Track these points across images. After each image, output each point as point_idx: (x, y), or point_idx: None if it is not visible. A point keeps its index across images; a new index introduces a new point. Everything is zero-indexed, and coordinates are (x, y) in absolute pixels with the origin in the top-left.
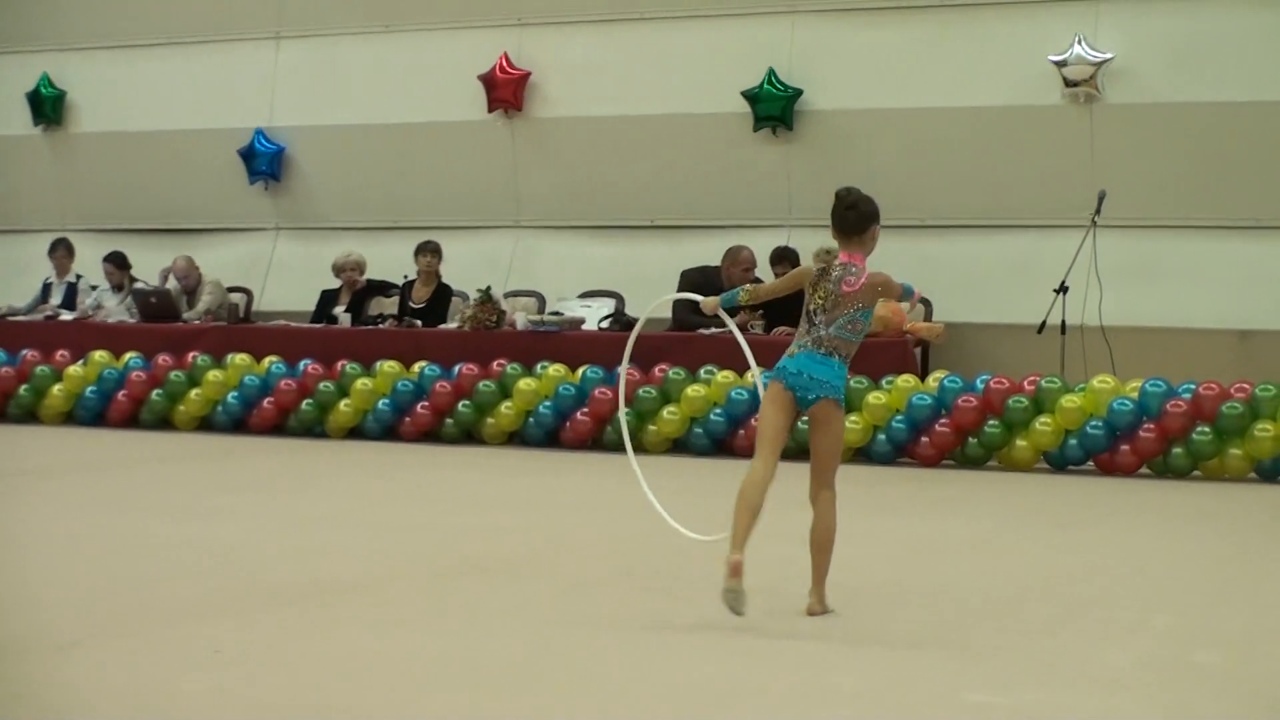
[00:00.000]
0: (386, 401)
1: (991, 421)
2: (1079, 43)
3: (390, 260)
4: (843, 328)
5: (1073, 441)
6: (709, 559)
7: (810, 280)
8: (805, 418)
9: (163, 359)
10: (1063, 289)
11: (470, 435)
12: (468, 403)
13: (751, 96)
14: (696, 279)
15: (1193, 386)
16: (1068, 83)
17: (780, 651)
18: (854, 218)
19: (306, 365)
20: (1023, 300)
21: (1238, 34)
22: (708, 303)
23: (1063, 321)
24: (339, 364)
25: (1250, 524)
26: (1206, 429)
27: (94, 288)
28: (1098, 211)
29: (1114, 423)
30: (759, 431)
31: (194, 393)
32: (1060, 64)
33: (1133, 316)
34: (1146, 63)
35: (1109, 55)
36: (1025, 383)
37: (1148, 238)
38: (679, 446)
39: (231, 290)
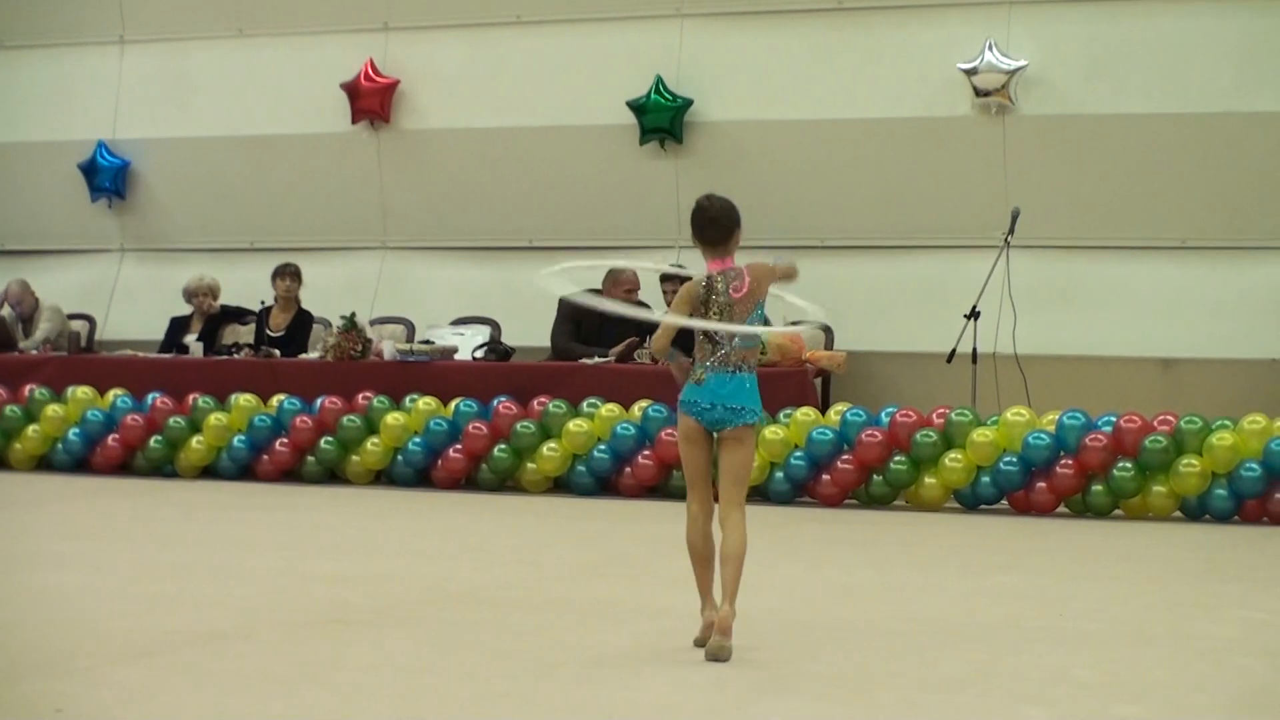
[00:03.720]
0: (242, 438)
1: (898, 457)
2: (990, 49)
3: (246, 284)
4: (745, 338)
5: (985, 479)
6: (590, 607)
7: (699, 300)
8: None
9: None
10: (974, 314)
11: (333, 474)
12: (330, 439)
13: (637, 107)
14: (577, 304)
15: (1113, 419)
16: (978, 92)
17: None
18: (716, 231)
19: (155, 399)
20: (931, 326)
21: (1160, 41)
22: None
23: (974, 349)
24: (190, 397)
25: (1175, 567)
26: (1128, 464)
27: None
28: (1011, 231)
29: (1029, 458)
30: (686, 473)
31: (31, 429)
32: (970, 72)
33: (1049, 344)
34: (1063, 71)
35: (1022, 63)
36: (934, 415)
37: (1065, 259)
38: (560, 486)
39: (72, 317)
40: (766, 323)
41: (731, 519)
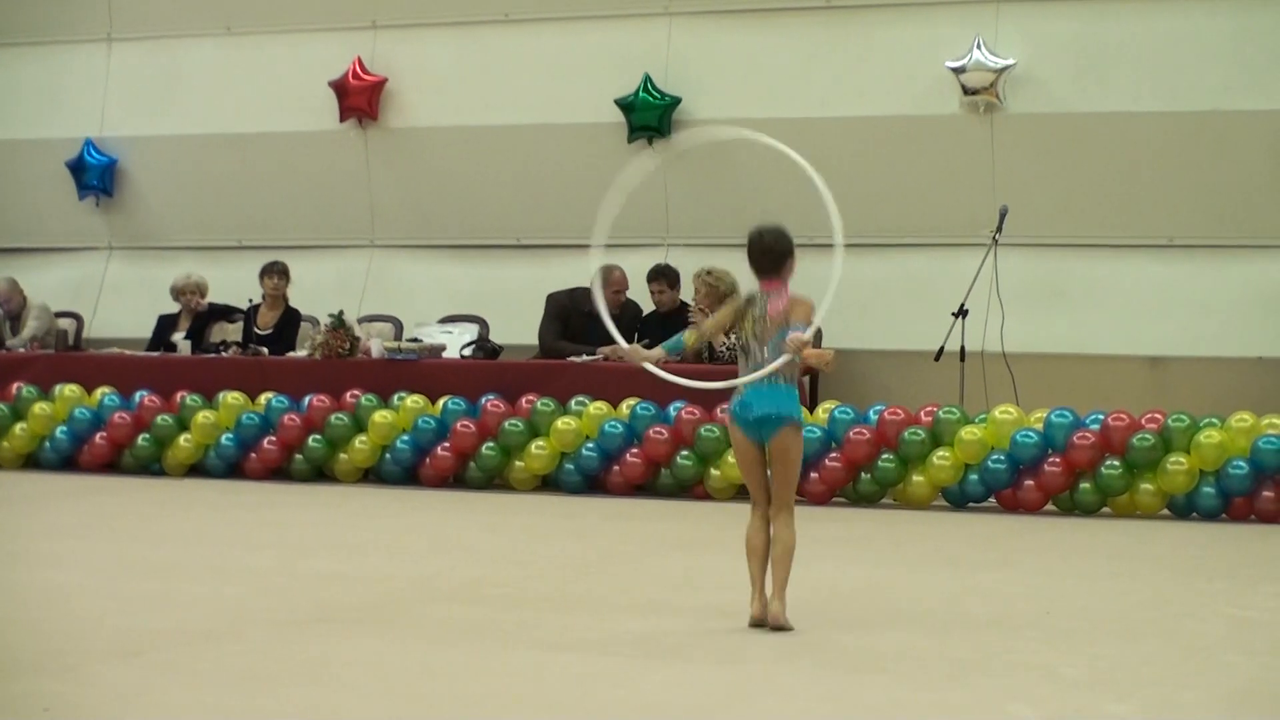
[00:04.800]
0: (230, 436)
1: (886, 455)
2: (978, 47)
3: (234, 283)
4: (776, 348)
5: (973, 477)
6: (578, 604)
7: (738, 312)
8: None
9: None
10: (962, 312)
11: (321, 472)
12: (318, 437)
13: (626, 105)
14: (564, 302)
15: (1101, 417)
16: (966, 90)
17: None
18: (769, 261)
19: (142, 397)
20: (919, 325)
21: (1148, 40)
22: (634, 353)
23: (962, 347)
24: (178, 395)
25: (1163, 564)
26: (1116, 462)
27: None
28: (999, 229)
29: (1017, 456)
30: (746, 483)
31: (18, 427)
32: (958, 70)
33: (1037, 342)
34: (1051, 70)
35: (1010, 61)
36: (922, 413)
37: (1053, 257)
38: (548, 484)
39: (59, 315)
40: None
41: (780, 519)
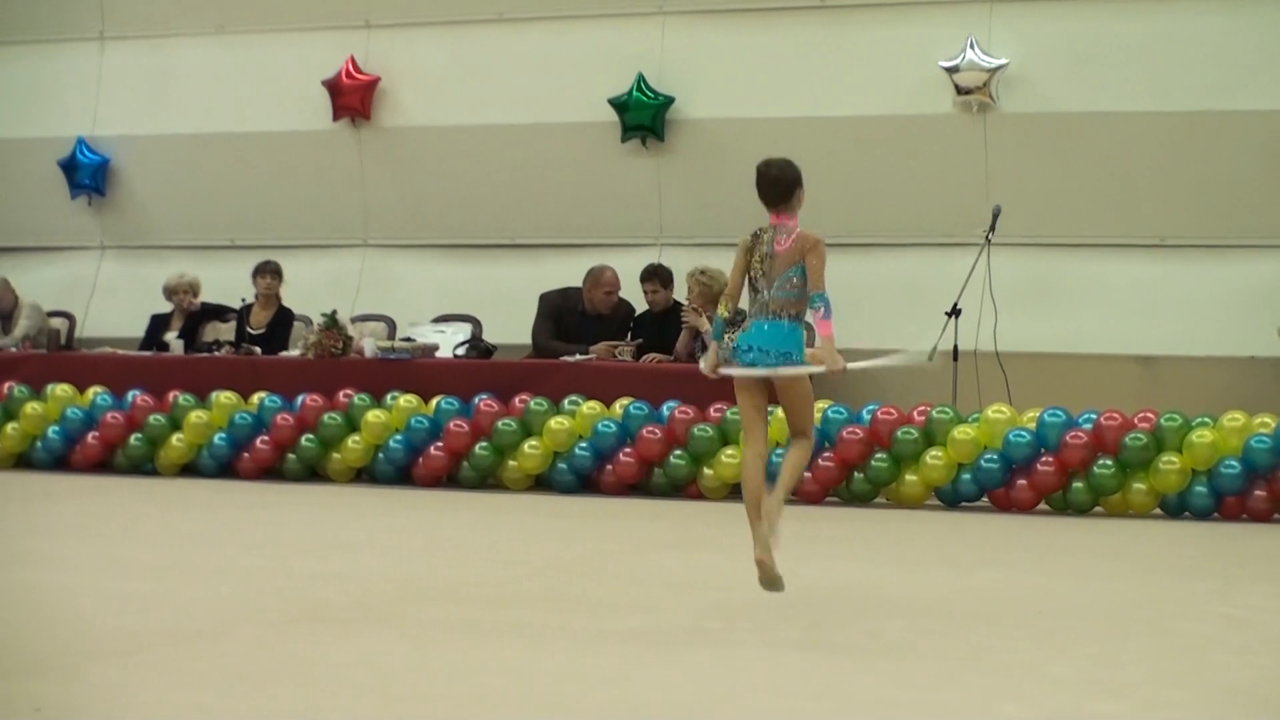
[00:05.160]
0: (223, 435)
1: (879, 455)
2: (971, 47)
3: (226, 282)
4: (782, 287)
5: (966, 476)
6: (571, 604)
7: (745, 248)
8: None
9: None
10: (955, 312)
11: (314, 472)
12: (311, 436)
13: (619, 104)
14: (557, 301)
15: (1094, 416)
16: (959, 90)
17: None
18: (779, 191)
19: (135, 396)
20: (912, 324)
21: (1140, 39)
22: (711, 362)
23: (955, 347)
24: (171, 395)
25: (1155, 563)
26: (1108, 462)
27: None
28: (992, 229)
29: (1010, 455)
30: (741, 418)
31: (10, 427)
32: (951, 70)
33: (1030, 341)
34: (1044, 69)
35: (1004, 61)
36: (915, 413)
37: (1046, 257)
38: (541, 484)
39: (51, 315)
40: (804, 282)
41: (797, 442)
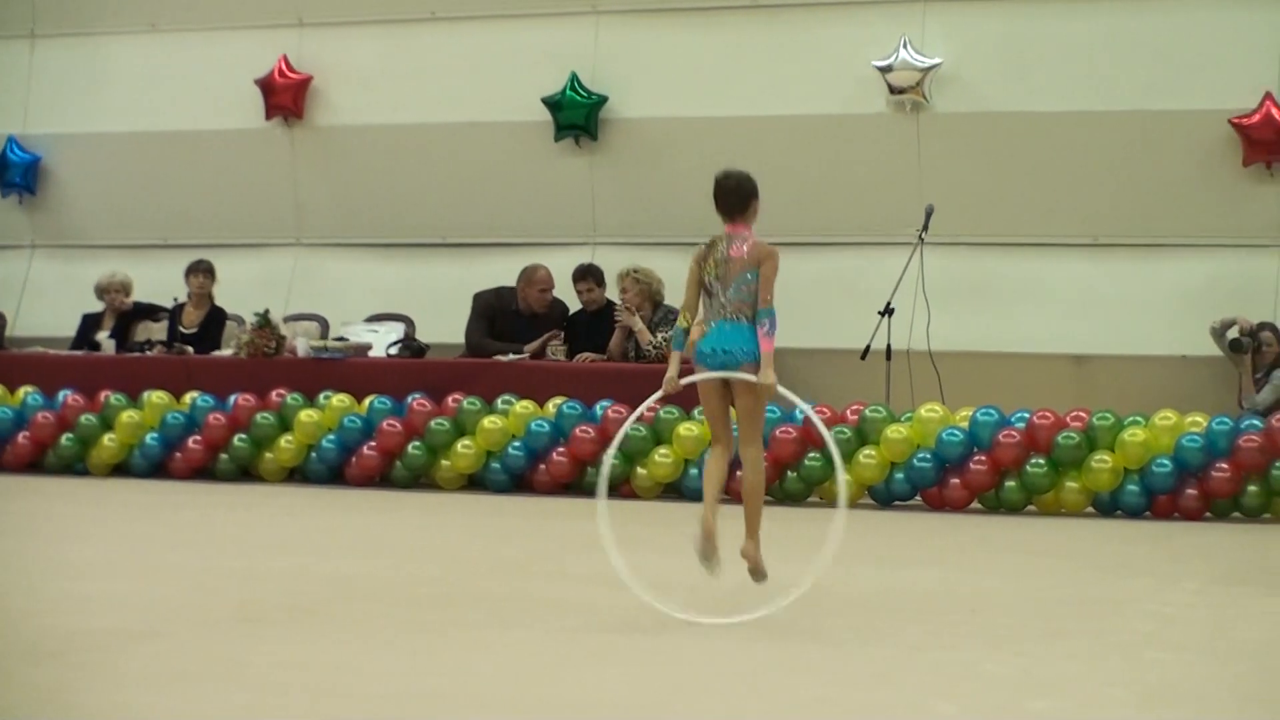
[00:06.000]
0: (155, 435)
1: (812, 454)
2: (904, 47)
3: (158, 281)
4: (738, 290)
5: (899, 475)
6: (505, 603)
7: (699, 258)
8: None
9: None
10: (888, 311)
11: (247, 472)
12: (244, 436)
13: (552, 104)
14: (491, 301)
15: (1026, 415)
16: (893, 90)
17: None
18: (735, 200)
19: (66, 396)
20: (845, 323)
21: (1073, 40)
22: (672, 373)
23: (888, 346)
24: (102, 394)
25: (1087, 561)
26: (1041, 460)
27: None
28: (925, 228)
29: (943, 454)
30: (706, 418)
31: None
32: (885, 69)
33: (962, 340)
34: (977, 69)
35: (936, 61)
36: (848, 412)
37: (978, 256)
38: (474, 483)
39: None
40: (755, 290)
41: (748, 455)
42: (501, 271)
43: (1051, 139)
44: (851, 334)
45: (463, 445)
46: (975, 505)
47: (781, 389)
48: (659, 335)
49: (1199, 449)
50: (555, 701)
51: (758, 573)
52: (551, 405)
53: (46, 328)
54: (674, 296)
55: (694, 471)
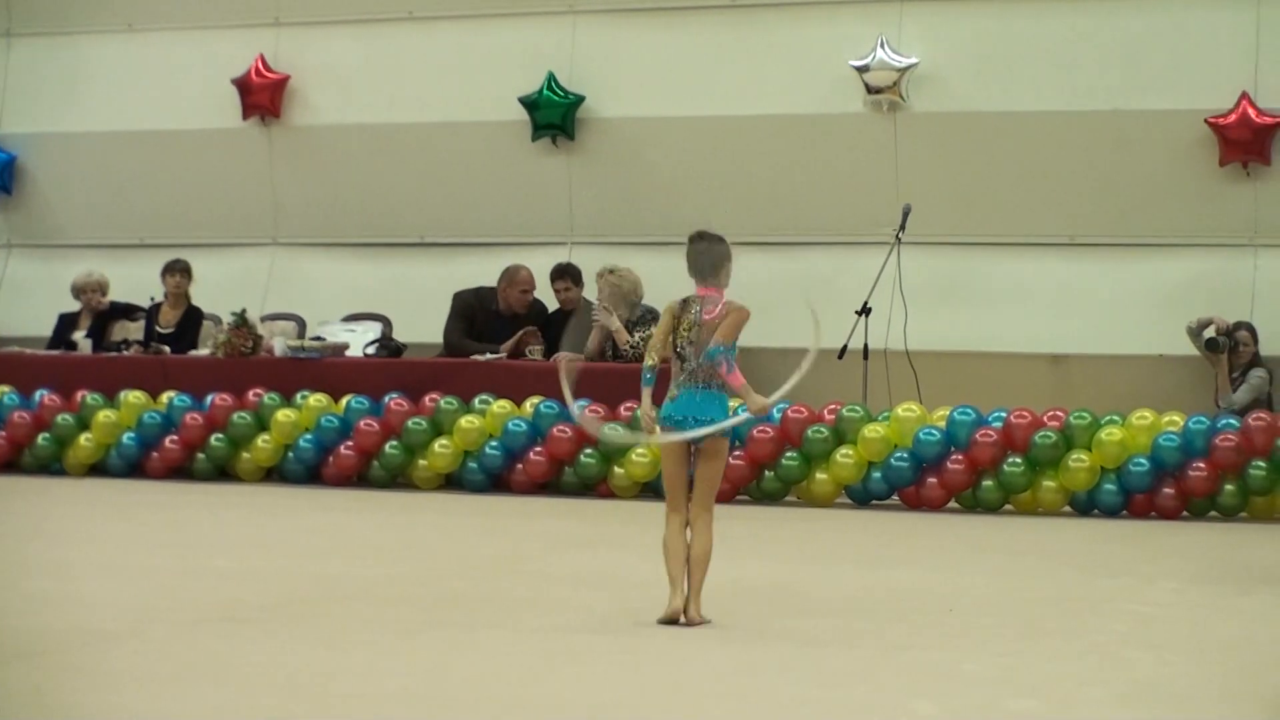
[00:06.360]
0: (132, 435)
1: (789, 453)
2: (882, 47)
3: (135, 281)
4: (709, 356)
5: (876, 474)
6: (482, 603)
7: (674, 312)
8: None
9: None
10: (865, 310)
11: (224, 471)
12: (221, 436)
13: (530, 103)
14: (471, 301)
15: (1003, 414)
16: (870, 89)
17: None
18: (708, 262)
19: (43, 395)
20: (822, 323)
21: (1049, 39)
22: (648, 420)
23: (865, 345)
24: (79, 394)
25: (1065, 561)
26: (1018, 460)
27: None
28: (902, 227)
29: (920, 454)
30: (665, 484)
31: None
32: (862, 69)
33: (939, 340)
34: (954, 69)
35: (914, 60)
36: (825, 411)
37: (956, 255)
38: (452, 482)
39: None
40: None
41: (700, 520)
42: (479, 271)
43: (1029, 139)
44: (828, 333)
45: (440, 445)
46: (953, 505)
47: (771, 398)
48: (636, 335)
49: (1176, 448)
50: (532, 701)
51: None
52: (529, 405)
53: (23, 327)
54: (651, 296)
55: None
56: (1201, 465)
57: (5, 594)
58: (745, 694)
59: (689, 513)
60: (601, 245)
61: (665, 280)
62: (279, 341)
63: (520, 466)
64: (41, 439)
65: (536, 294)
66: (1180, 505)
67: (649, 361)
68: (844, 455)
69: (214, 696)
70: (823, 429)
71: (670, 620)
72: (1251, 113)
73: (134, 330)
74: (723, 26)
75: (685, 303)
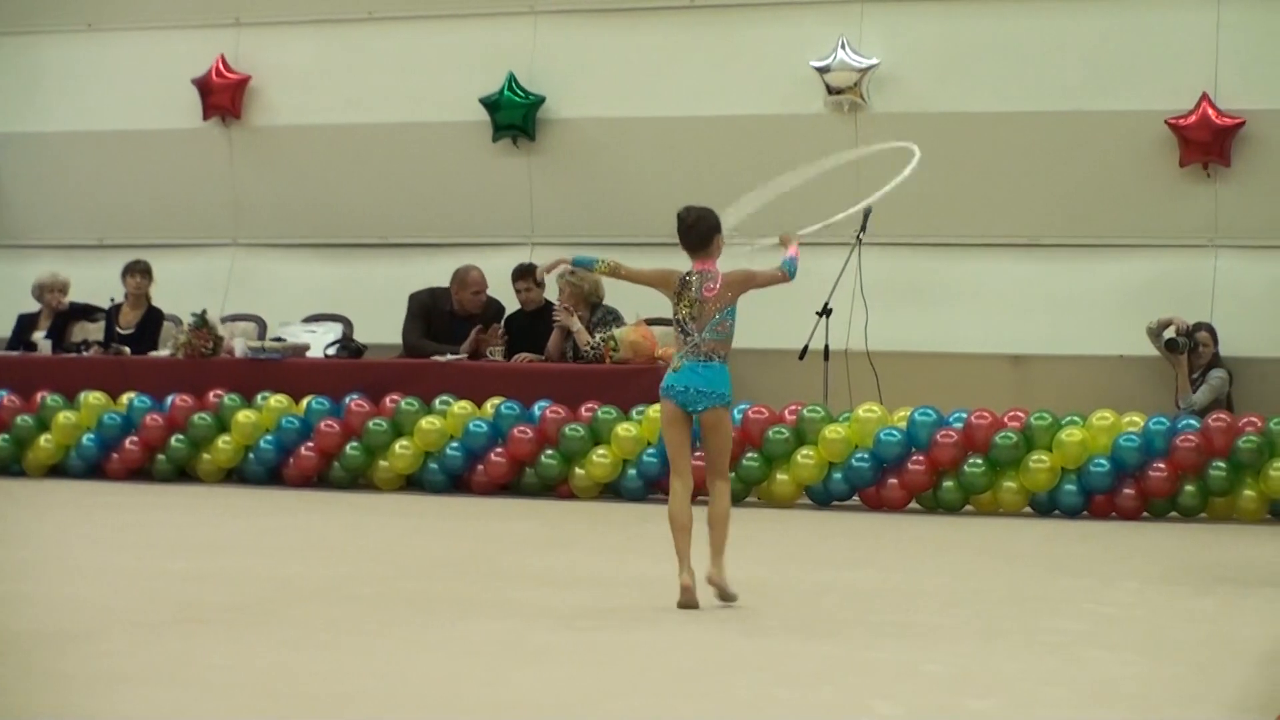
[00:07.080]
0: (91, 436)
1: (750, 454)
2: (842, 47)
3: (95, 281)
4: (713, 330)
5: (837, 475)
6: (444, 604)
7: (674, 290)
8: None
9: None
10: (826, 311)
11: (184, 473)
12: (181, 437)
13: (490, 104)
14: (426, 301)
15: (964, 415)
16: (831, 90)
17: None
18: (696, 235)
19: (2, 397)
20: (782, 323)
21: (1009, 40)
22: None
23: (826, 346)
24: (38, 395)
25: (1025, 561)
26: (979, 460)
27: None
28: (863, 228)
29: (881, 454)
30: (668, 452)
31: None
32: (822, 70)
33: (900, 341)
34: (915, 69)
35: (874, 61)
36: (786, 412)
37: (916, 256)
38: (412, 483)
39: None
40: (733, 324)
41: (717, 487)
42: (440, 271)
43: (989, 139)
44: (788, 334)
45: (401, 446)
46: (913, 505)
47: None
48: (597, 336)
49: (1136, 449)
50: (493, 701)
51: (725, 595)
52: (489, 405)
53: None
54: (612, 297)
55: (632, 473)
56: (1162, 466)
57: None
58: (707, 694)
59: (708, 480)
60: (562, 245)
61: (625, 282)
62: (239, 342)
63: (481, 467)
64: (1, 440)
65: (498, 294)
66: (1140, 506)
67: (599, 266)
68: (805, 456)
69: (175, 698)
70: (783, 430)
71: (687, 604)
72: (1212, 114)
73: (94, 331)
74: (683, 27)
75: (684, 280)
